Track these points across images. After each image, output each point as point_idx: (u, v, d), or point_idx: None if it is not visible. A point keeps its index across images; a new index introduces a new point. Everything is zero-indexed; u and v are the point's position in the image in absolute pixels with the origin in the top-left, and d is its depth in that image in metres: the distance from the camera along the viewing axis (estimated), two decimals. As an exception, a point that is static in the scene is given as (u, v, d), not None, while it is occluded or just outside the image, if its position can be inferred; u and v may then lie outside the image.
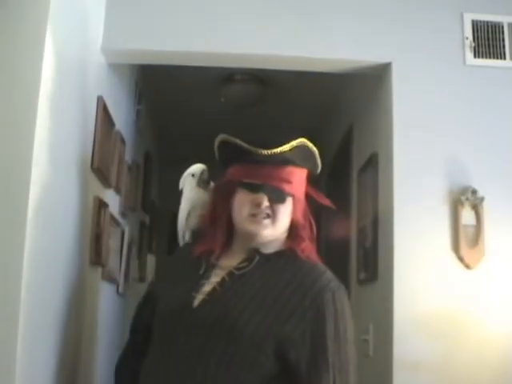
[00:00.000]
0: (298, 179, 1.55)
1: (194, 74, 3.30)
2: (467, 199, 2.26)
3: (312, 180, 1.62)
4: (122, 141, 2.78)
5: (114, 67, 2.55)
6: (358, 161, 3.04)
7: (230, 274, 1.49)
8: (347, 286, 3.05)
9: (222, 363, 1.37)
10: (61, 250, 1.88)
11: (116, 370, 1.67)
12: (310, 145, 1.55)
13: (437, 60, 2.40)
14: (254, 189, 1.50)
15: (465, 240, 2.25)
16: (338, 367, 1.38)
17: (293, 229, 1.57)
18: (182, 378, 1.39)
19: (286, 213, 1.52)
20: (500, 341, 2.20)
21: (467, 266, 2.25)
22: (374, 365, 2.48)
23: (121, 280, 2.93)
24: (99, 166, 2.24)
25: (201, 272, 1.51)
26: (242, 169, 1.53)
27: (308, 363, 1.38)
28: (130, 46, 2.39)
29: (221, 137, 1.57)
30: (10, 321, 1.50)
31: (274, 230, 1.51)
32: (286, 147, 1.49)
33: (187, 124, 4.38)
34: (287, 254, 1.54)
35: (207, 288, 1.47)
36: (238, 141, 1.52)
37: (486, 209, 2.27)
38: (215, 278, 1.49)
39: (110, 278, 2.65)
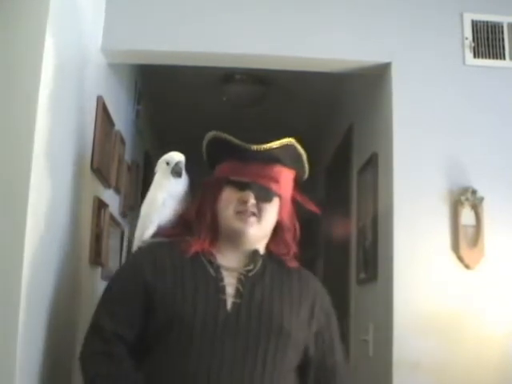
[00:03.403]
0: (285, 180, 1.55)
1: (194, 74, 3.29)
2: (467, 199, 2.25)
3: (304, 183, 1.63)
4: (122, 141, 2.78)
5: (114, 67, 2.55)
6: (358, 161, 3.04)
7: (245, 275, 1.49)
8: (347, 286, 3.09)
9: (267, 362, 1.40)
10: (60, 249, 1.87)
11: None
12: (299, 147, 1.56)
13: (437, 60, 2.40)
14: (241, 186, 1.50)
15: (464, 240, 2.25)
16: (342, 358, 1.59)
17: (278, 230, 1.57)
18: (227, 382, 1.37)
19: (272, 212, 1.52)
20: (499, 341, 2.19)
21: (467, 266, 2.25)
22: (373, 365, 2.48)
23: (121, 280, 2.92)
24: (99, 166, 2.24)
25: (212, 273, 1.47)
26: (230, 166, 1.53)
27: (322, 357, 1.53)
28: (129, 46, 2.39)
29: (211, 134, 1.57)
30: (10, 321, 1.51)
31: (259, 229, 1.51)
32: (275, 144, 1.51)
33: (187, 124, 4.37)
34: (276, 258, 1.56)
35: (230, 290, 1.45)
36: (229, 137, 1.53)
37: (486, 209, 2.27)
38: (230, 280, 1.47)
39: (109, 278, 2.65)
